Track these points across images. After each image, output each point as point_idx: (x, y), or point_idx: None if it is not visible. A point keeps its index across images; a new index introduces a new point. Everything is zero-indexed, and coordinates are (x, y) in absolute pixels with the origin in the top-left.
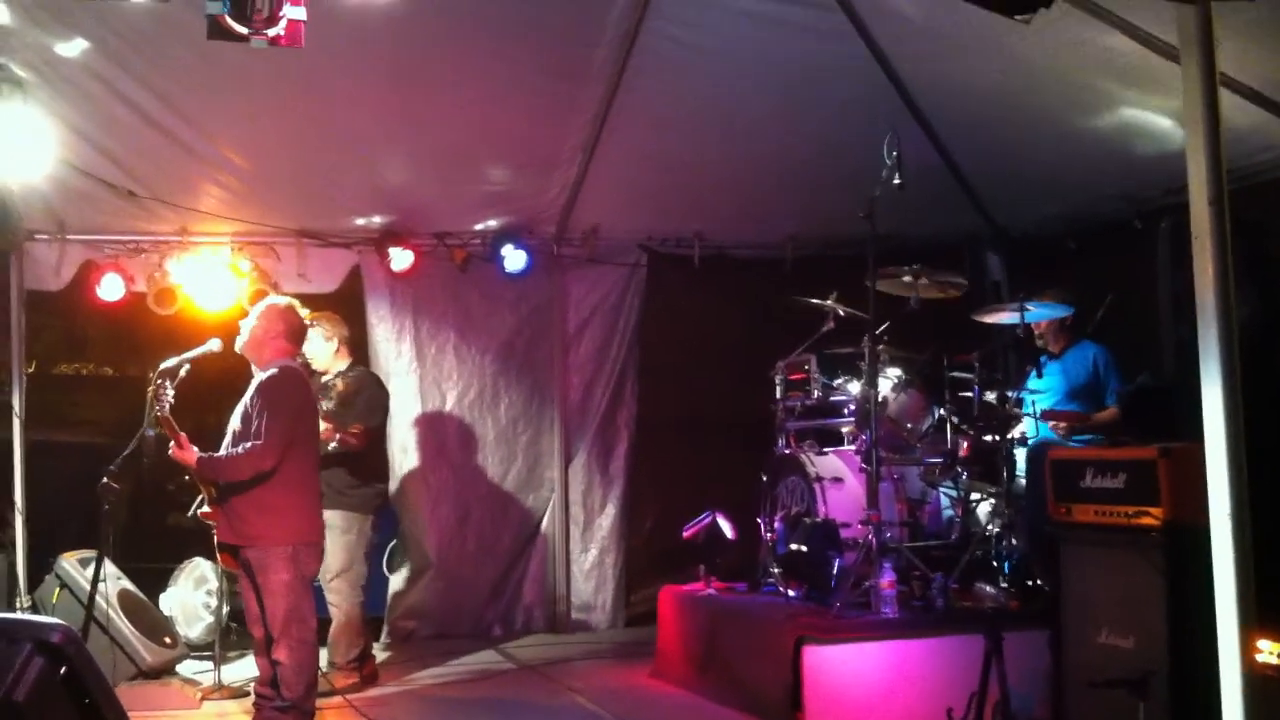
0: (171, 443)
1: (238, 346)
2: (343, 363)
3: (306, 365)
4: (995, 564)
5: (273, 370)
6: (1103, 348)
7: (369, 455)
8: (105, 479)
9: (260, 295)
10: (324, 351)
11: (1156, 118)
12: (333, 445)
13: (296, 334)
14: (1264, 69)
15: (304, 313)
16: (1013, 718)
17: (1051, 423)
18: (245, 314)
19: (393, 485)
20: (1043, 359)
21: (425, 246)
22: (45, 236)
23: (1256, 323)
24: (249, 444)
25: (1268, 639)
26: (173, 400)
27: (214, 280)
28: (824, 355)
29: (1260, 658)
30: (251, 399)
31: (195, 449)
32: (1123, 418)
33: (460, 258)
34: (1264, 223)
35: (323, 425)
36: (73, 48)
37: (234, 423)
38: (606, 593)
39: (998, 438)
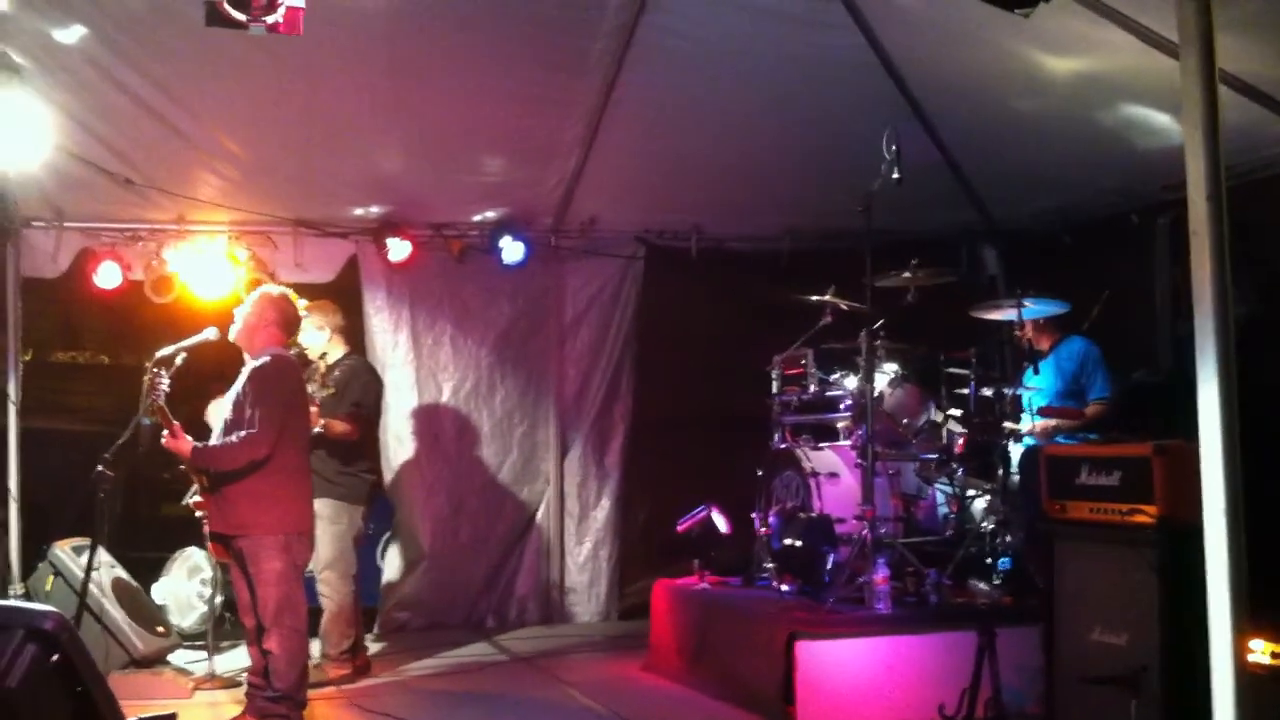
0: (165, 432)
1: (231, 334)
2: (338, 351)
3: (301, 354)
4: (989, 560)
5: (264, 359)
6: (1091, 343)
7: (360, 444)
8: (100, 467)
9: (256, 285)
10: (317, 340)
11: (1155, 113)
12: (316, 429)
13: (289, 322)
14: (1263, 65)
15: (301, 303)
16: (1005, 713)
17: (1042, 423)
18: (241, 303)
19: (388, 476)
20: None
21: (423, 237)
22: (42, 223)
23: (1254, 320)
24: (242, 433)
25: (1260, 638)
26: (168, 389)
27: (211, 269)
28: (821, 350)
29: (1252, 657)
30: (243, 387)
31: (189, 438)
32: (1118, 415)
33: (457, 249)
34: (1262, 220)
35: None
36: (71, 34)
37: (225, 411)
38: (600, 585)
39: (993, 434)
